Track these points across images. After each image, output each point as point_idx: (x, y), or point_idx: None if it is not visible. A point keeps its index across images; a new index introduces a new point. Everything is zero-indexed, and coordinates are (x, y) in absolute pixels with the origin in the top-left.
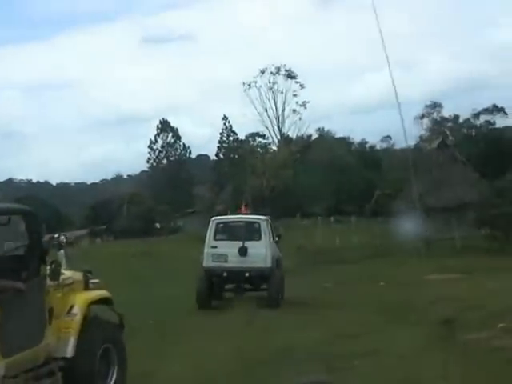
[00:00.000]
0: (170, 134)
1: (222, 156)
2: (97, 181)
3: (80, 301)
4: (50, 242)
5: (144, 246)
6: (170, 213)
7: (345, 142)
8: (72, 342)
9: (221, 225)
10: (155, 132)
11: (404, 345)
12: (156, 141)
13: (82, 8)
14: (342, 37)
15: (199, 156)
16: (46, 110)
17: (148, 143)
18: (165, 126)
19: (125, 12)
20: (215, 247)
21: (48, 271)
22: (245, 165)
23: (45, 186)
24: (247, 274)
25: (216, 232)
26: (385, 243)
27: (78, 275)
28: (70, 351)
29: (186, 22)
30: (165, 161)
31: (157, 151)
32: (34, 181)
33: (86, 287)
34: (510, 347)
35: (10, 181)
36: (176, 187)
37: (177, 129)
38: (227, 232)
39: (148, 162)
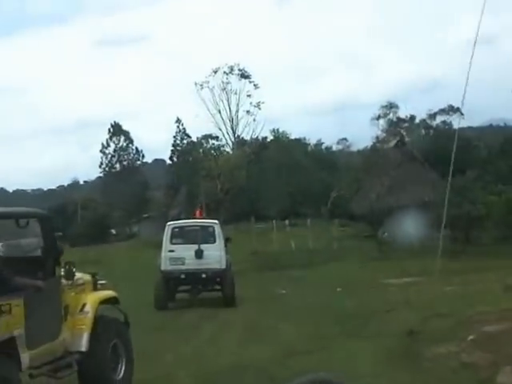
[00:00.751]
0: (122, 138)
1: (175, 159)
2: (53, 187)
3: (91, 300)
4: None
5: (98, 252)
6: (125, 218)
7: (300, 143)
8: (86, 337)
9: (176, 229)
10: (107, 136)
11: (364, 362)
12: (108, 145)
13: (31, 10)
14: (297, 37)
15: (156, 160)
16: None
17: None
18: (116, 130)
19: (76, 14)
20: (172, 251)
21: (63, 272)
22: (198, 167)
23: (1, 192)
24: (204, 275)
25: (172, 236)
26: (342, 246)
27: (88, 276)
28: (84, 346)
29: (139, 24)
30: (118, 165)
31: (109, 155)
32: None
33: (95, 287)
34: (481, 364)
35: None
36: (130, 192)
37: (128, 132)
38: (183, 236)
39: (100, 166)
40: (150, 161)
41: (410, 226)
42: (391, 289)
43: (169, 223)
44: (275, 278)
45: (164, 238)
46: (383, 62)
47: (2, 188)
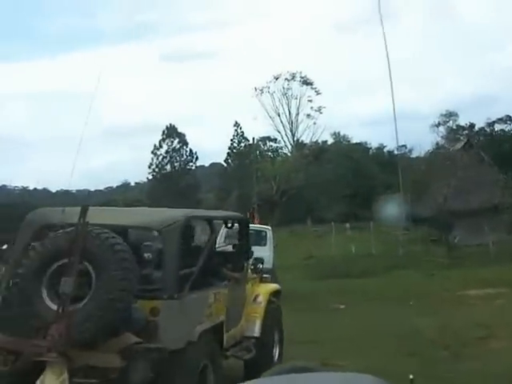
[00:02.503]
0: (176, 140)
1: (231, 162)
2: (101, 188)
3: (263, 291)
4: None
5: None
6: None
7: (361, 147)
8: (259, 324)
9: None
10: (160, 138)
11: None
12: (160, 146)
13: (98, 26)
14: (357, 50)
15: (213, 164)
16: (53, 120)
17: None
18: (171, 132)
19: (147, 32)
20: None
21: (251, 266)
22: (253, 169)
23: (42, 192)
24: None
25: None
26: (407, 251)
27: None
28: (257, 332)
29: (203, 41)
30: (168, 167)
31: (160, 157)
32: (31, 188)
33: (261, 281)
34: None
35: (3, 187)
36: (180, 194)
37: (184, 135)
38: None
39: (150, 167)
40: (207, 164)
41: (480, 230)
42: (473, 302)
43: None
44: (332, 287)
45: (218, 238)
46: (440, 75)
47: (44, 188)
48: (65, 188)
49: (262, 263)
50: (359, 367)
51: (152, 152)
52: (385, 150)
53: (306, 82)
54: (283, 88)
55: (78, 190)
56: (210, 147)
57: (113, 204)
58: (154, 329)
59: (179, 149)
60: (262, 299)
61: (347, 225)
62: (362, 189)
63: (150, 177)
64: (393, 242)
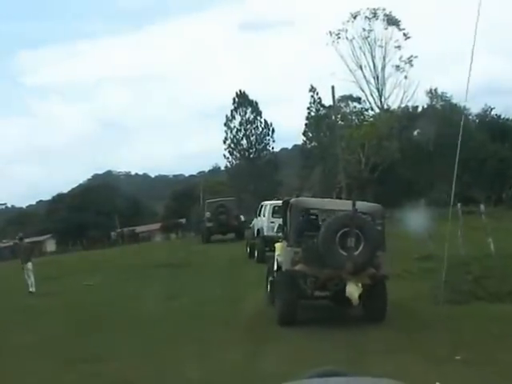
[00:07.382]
0: (249, 109)
1: (310, 134)
2: (194, 173)
3: None
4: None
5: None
6: (251, 204)
7: (462, 109)
8: None
9: (276, 208)
10: (232, 107)
11: None
12: (233, 117)
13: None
14: None
15: (296, 146)
16: (146, 102)
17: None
18: (242, 100)
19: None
20: (273, 222)
21: None
22: (335, 138)
23: (143, 178)
24: None
25: (273, 212)
26: None
27: None
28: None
29: (283, 8)
30: (244, 141)
31: (234, 130)
32: (133, 173)
33: None
34: None
35: (109, 173)
36: (263, 176)
37: (256, 103)
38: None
39: (225, 142)
40: (289, 147)
41: None
42: None
43: (267, 203)
44: (493, 327)
45: (266, 214)
46: None
47: (144, 173)
48: (162, 173)
49: None
50: None
51: (225, 124)
52: (492, 112)
53: (392, 21)
54: (363, 30)
55: (174, 175)
56: (291, 128)
57: (198, 186)
58: (379, 266)
59: (254, 120)
60: None
61: (482, 207)
62: (472, 163)
63: (227, 153)
64: None
